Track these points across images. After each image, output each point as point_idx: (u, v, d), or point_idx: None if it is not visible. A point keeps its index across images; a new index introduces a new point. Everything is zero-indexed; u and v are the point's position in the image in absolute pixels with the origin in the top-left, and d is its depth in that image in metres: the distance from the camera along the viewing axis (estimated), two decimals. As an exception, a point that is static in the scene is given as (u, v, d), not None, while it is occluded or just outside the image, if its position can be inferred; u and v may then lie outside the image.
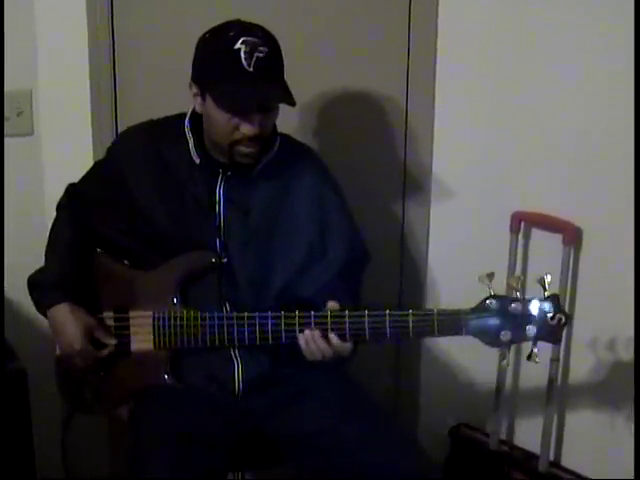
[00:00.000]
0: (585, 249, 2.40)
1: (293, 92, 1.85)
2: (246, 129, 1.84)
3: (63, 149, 2.43)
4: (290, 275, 2.00)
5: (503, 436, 2.64)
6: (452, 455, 2.68)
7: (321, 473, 1.99)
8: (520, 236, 2.51)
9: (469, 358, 2.66)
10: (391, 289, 2.72)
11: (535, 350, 1.78)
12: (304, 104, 2.47)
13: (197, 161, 1.96)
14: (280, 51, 1.87)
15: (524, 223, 2.50)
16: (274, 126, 1.98)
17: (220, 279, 1.97)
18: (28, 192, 2.44)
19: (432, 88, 2.59)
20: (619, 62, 2.22)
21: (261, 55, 1.80)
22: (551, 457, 2.50)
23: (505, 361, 1.84)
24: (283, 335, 1.87)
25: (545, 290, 1.76)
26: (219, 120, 1.86)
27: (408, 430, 2.66)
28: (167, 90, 2.35)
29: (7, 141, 2.37)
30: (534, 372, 2.47)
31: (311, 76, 2.44)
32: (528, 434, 2.58)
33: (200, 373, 1.99)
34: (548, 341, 1.80)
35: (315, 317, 1.85)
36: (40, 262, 2.06)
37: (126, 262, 2.08)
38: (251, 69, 1.80)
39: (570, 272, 2.39)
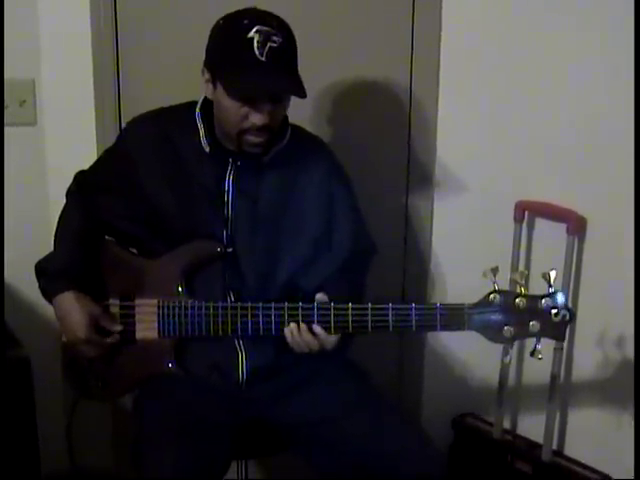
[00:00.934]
0: (589, 238, 2.40)
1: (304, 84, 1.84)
2: (255, 118, 1.84)
3: (66, 139, 2.43)
4: (296, 267, 2.00)
5: (506, 425, 2.65)
6: (455, 444, 2.68)
7: (325, 462, 2.00)
8: (524, 226, 2.50)
9: (473, 347, 2.64)
10: (394, 280, 2.72)
11: (539, 347, 1.78)
12: (310, 95, 2.46)
13: (207, 150, 1.96)
14: (294, 41, 1.86)
15: (528, 213, 2.49)
16: (285, 117, 1.97)
17: (225, 269, 1.97)
18: (30, 181, 2.44)
19: (436, 78, 2.59)
20: (621, 53, 2.21)
21: (274, 45, 1.79)
22: (554, 446, 2.51)
23: (508, 357, 1.82)
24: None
25: (550, 286, 1.75)
26: (229, 108, 1.85)
27: (414, 419, 2.68)
28: (171, 80, 2.35)
29: (10, 131, 2.37)
30: (538, 362, 2.43)
31: (316, 67, 2.41)
32: (531, 423, 2.59)
33: (204, 362, 1.99)
34: (552, 337, 1.80)
35: (303, 309, 1.85)
36: (43, 250, 2.06)
37: (134, 250, 2.08)
38: (263, 58, 1.78)
39: (574, 261, 2.38)
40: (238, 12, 1.85)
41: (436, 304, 1.82)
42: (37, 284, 2.02)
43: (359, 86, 2.56)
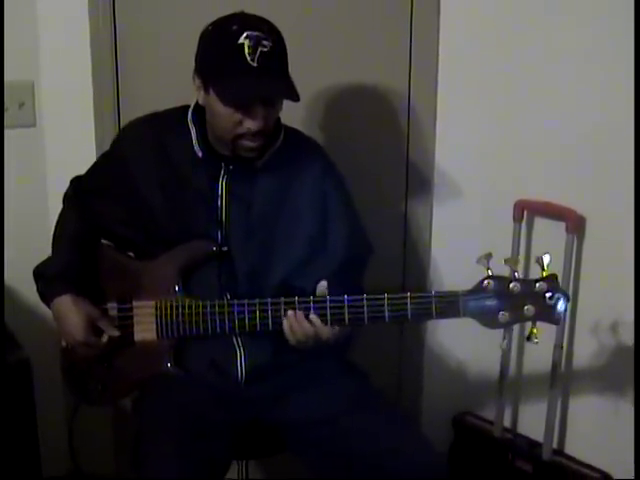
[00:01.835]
0: (588, 237, 2.39)
1: (296, 85, 1.84)
2: (250, 124, 1.84)
3: (65, 141, 2.44)
4: (290, 268, 2.00)
5: (507, 424, 2.64)
6: (456, 443, 2.68)
7: (324, 462, 1.99)
8: (523, 224, 2.50)
9: (472, 346, 2.66)
10: (394, 279, 2.72)
11: (534, 331, 1.77)
12: (306, 99, 2.47)
13: (199, 154, 1.96)
14: (284, 44, 1.86)
15: (527, 211, 2.49)
16: (278, 119, 1.97)
17: (220, 269, 1.97)
18: (30, 183, 2.44)
19: (435, 78, 2.60)
20: (621, 53, 2.21)
21: (265, 50, 1.79)
22: (555, 445, 2.50)
23: (505, 342, 1.82)
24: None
25: (543, 270, 1.75)
26: (222, 114, 1.85)
27: (414, 419, 2.68)
28: (170, 82, 2.36)
29: (9, 132, 2.38)
30: (537, 359, 2.48)
31: (313, 71, 2.43)
32: (532, 422, 2.58)
33: (203, 362, 1.99)
34: (548, 321, 1.78)
35: (299, 302, 1.85)
36: (43, 252, 2.07)
37: (130, 254, 2.08)
38: (255, 64, 1.78)
39: (573, 260, 2.38)
40: (226, 18, 1.85)
41: (431, 292, 1.82)
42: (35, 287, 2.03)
43: (357, 90, 2.56)
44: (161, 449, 1.85)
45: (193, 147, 1.96)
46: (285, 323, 1.86)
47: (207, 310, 1.91)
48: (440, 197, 2.68)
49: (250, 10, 1.88)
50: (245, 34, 1.79)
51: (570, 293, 2.39)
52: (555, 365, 2.42)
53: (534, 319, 1.76)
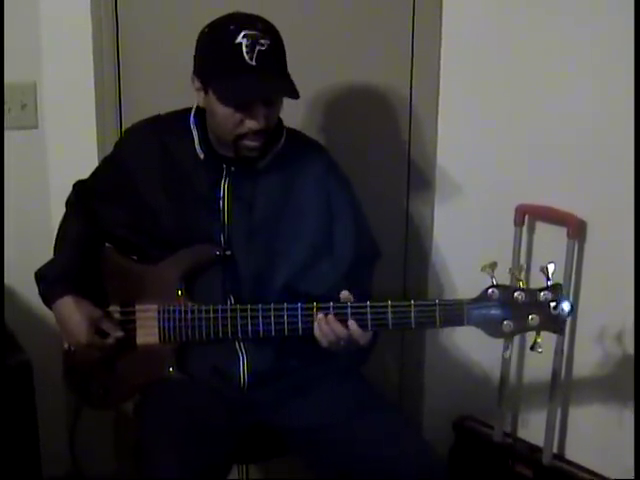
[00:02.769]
0: (589, 242, 2.39)
1: (298, 86, 1.84)
2: (251, 123, 1.84)
3: (67, 142, 2.44)
4: (294, 271, 2.00)
5: (507, 429, 2.64)
6: (456, 448, 2.68)
7: (326, 466, 2.00)
8: (524, 229, 2.50)
9: (473, 351, 2.66)
10: (395, 282, 2.72)
11: (539, 340, 1.77)
12: (308, 99, 2.48)
13: (201, 156, 1.96)
14: (282, 42, 1.86)
15: (528, 216, 2.49)
16: (280, 121, 1.97)
17: (224, 273, 1.97)
18: (32, 185, 2.44)
19: (436, 82, 2.59)
20: (621, 55, 2.21)
21: (263, 48, 1.79)
22: (555, 450, 2.50)
23: (508, 352, 1.82)
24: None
25: (548, 279, 1.75)
26: (223, 115, 1.85)
27: (415, 423, 2.68)
28: (172, 84, 2.34)
29: (11, 134, 2.37)
30: (538, 365, 2.47)
31: (315, 71, 2.44)
32: (532, 427, 2.59)
33: (205, 366, 1.99)
34: (551, 331, 1.78)
35: (334, 308, 1.83)
36: (44, 254, 2.07)
37: (134, 257, 2.08)
38: (253, 62, 1.78)
39: (574, 265, 2.38)
40: (222, 18, 1.85)
41: (435, 300, 1.81)
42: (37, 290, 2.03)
43: (358, 91, 2.56)
44: (162, 453, 1.85)
45: (195, 149, 1.96)
46: (316, 327, 1.84)
47: (210, 315, 1.90)
48: (442, 201, 2.68)
49: (252, 10, 1.88)
50: (242, 33, 1.79)
51: (571, 297, 2.39)
52: (555, 370, 2.42)
53: (538, 328, 1.77)
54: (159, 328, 1.95)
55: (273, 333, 1.88)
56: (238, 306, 1.90)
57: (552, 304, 1.75)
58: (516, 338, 1.83)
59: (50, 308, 2.01)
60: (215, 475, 1.88)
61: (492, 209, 2.57)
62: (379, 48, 2.57)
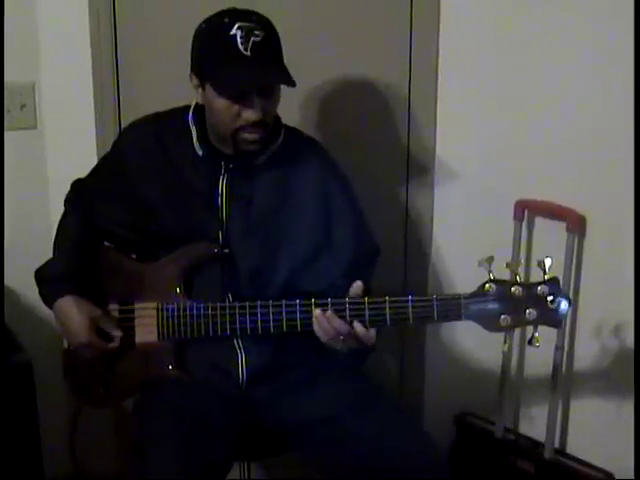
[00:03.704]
0: (589, 236, 2.39)
1: (296, 81, 1.84)
2: (248, 114, 1.84)
3: (66, 142, 2.44)
4: (293, 268, 2.00)
5: (508, 424, 2.64)
6: (457, 443, 2.68)
7: (327, 462, 2.00)
8: (524, 224, 2.50)
9: (474, 346, 2.66)
10: (395, 277, 2.72)
11: (536, 334, 1.77)
12: (306, 94, 2.48)
13: (200, 153, 1.96)
14: (277, 34, 1.86)
15: (527, 211, 2.49)
16: (278, 118, 1.98)
17: (222, 270, 1.97)
18: (31, 185, 2.45)
19: (435, 75, 2.59)
20: (621, 51, 2.21)
21: (257, 39, 1.79)
22: (556, 445, 2.50)
23: (506, 346, 1.82)
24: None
25: (545, 273, 1.75)
26: (220, 108, 1.85)
27: (416, 419, 2.68)
28: (171, 82, 2.34)
29: (10, 134, 2.38)
30: (539, 360, 2.47)
31: (314, 63, 2.44)
32: (533, 422, 2.59)
33: (204, 364, 1.99)
34: (549, 325, 1.78)
35: (332, 304, 1.83)
36: (44, 255, 2.07)
37: (132, 255, 2.08)
38: (248, 53, 1.79)
39: (574, 260, 2.38)
40: (217, 14, 1.86)
41: (433, 295, 1.81)
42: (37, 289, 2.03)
43: (357, 86, 2.56)
44: (162, 451, 1.85)
45: (193, 146, 1.97)
46: (315, 323, 1.84)
47: (217, 312, 1.91)
48: (441, 196, 2.68)
49: (250, 7, 1.88)
50: (237, 25, 1.80)
51: (571, 293, 2.39)
52: (556, 365, 2.41)
53: (536, 323, 1.77)
54: (158, 326, 1.95)
55: (272, 330, 1.88)
56: (237, 303, 1.90)
57: (549, 298, 1.75)
58: (517, 333, 1.83)
59: (50, 308, 2.02)
60: (215, 472, 1.88)
61: (491, 204, 2.57)
62: (377, 42, 2.56)
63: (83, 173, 2.17)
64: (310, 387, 2.02)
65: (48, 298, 2.02)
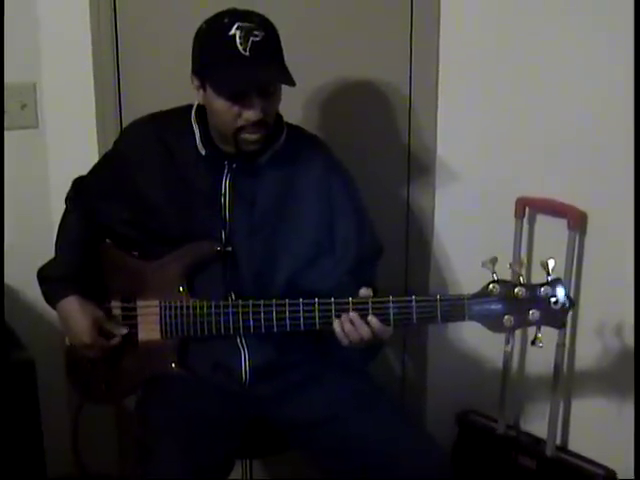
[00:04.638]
0: (590, 234, 2.39)
1: (296, 80, 1.84)
2: (248, 114, 1.84)
3: (67, 142, 2.43)
4: (296, 268, 2.01)
5: (510, 422, 2.65)
6: (459, 441, 2.69)
7: (329, 461, 2.00)
8: (525, 222, 2.50)
9: (476, 345, 2.66)
10: (396, 275, 2.72)
11: (539, 335, 1.78)
12: (308, 93, 2.48)
13: (203, 153, 1.96)
14: (277, 35, 1.86)
15: (529, 209, 2.49)
16: (280, 117, 1.98)
17: (225, 269, 1.97)
18: (32, 184, 2.44)
19: (435, 73, 2.59)
20: (621, 50, 2.21)
21: (257, 39, 1.80)
22: (558, 442, 2.51)
23: (509, 346, 1.83)
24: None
25: (548, 274, 1.76)
26: (221, 108, 1.86)
27: (418, 417, 2.68)
28: (172, 82, 2.34)
29: (11, 134, 2.37)
30: (541, 357, 2.48)
31: (315, 64, 2.44)
32: (535, 419, 2.59)
33: (207, 362, 2.00)
34: (552, 326, 1.80)
35: (354, 304, 1.84)
36: (46, 253, 2.07)
37: (135, 253, 2.08)
38: (247, 53, 1.79)
39: (575, 257, 2.38)
40: (217, 15, 1.86)
41: (436, 296, 1.82)
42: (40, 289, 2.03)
43: (357, 85, 2.56)
44: (164, 449, 1.85)
45: (196, 145, 1.97)
46: (336, 325, 1.85)
47: (212, 310, 1.91)
48: (442, 194, 2.68)
49: (251, 8, 1.88)
50: (236, 25, 1.80)
51: (572, 290, 2.39)
52: (557, 363, 2.42)
53: (539, 323, 1.78)
54: (161, 324, 1.96)
55: (275, 329, 1.88)
56: (240, 302, 1.90)
57: (552, 299, 1.76)
58: (518, 332, 1.83)
59: (53, 308, 2.02)
60: (218, 470, 1.89)
61: (493, 202, 2.57)
62: (378, 42, 2.57)
63: (84, 172, 2.17)
64: (312, 385, 2.02)
65: (51, 298, 2.02)
